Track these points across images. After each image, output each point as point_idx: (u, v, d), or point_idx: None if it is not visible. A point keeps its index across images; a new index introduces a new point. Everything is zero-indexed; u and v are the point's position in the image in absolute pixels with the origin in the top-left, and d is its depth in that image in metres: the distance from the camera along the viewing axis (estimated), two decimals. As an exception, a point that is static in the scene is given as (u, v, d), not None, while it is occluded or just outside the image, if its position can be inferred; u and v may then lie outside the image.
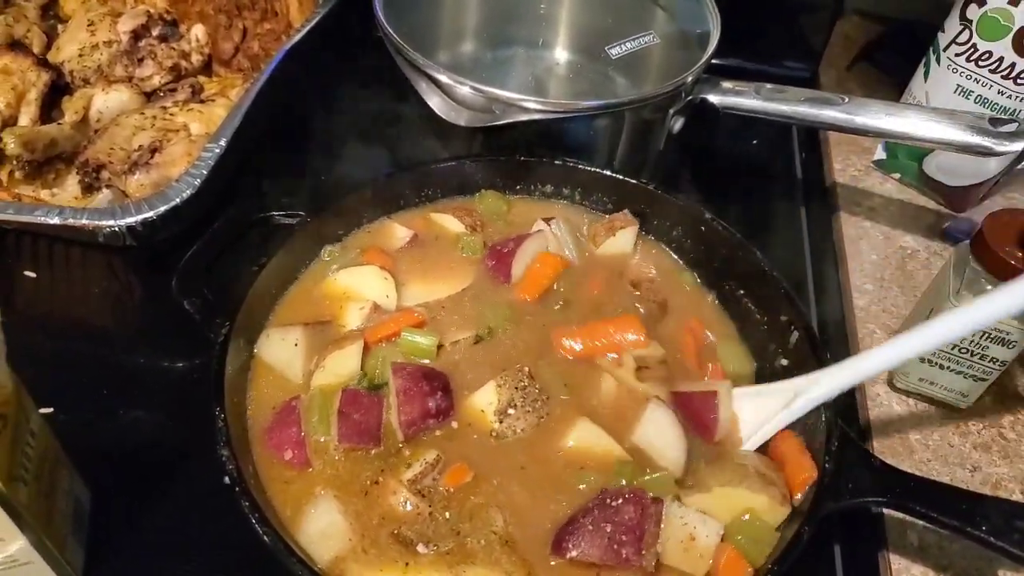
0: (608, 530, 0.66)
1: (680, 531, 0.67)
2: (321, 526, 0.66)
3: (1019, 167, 1.11)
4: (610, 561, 0.65)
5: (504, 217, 0.94)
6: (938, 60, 1.06)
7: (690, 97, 1.01)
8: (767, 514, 0.68)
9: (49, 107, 1.09)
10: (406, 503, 0.67)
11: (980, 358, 0.84)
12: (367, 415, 0.72)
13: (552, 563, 0.66)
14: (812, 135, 1.29)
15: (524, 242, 0.87)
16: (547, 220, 0.92)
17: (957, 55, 1.03)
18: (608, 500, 0.67)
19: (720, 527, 0.67)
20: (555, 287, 0.86)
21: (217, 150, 0.93)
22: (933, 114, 0.94)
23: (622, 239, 0.92)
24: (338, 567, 0.64)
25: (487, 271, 0.87)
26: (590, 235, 0.93)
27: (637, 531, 0.65)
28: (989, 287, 0.80)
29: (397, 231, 0.90)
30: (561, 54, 1.18)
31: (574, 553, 0.66)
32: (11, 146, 0.97)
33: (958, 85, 1.04)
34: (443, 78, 0.93)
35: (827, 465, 0.67)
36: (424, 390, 0.72)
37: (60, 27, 1.24)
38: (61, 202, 0.98)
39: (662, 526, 0.66)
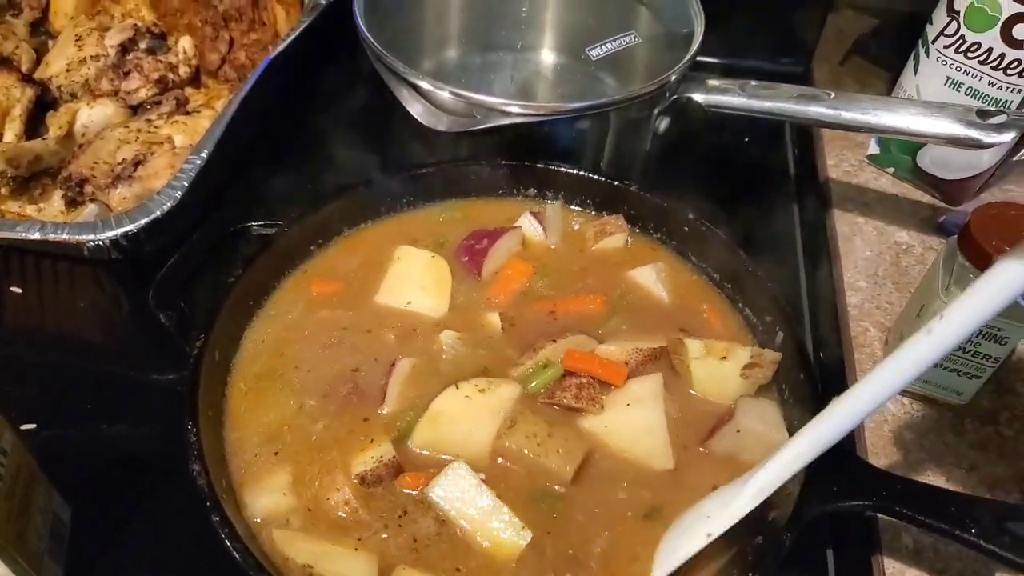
0: None
1: None
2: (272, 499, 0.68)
3: (1014, 159, 1.09)
4: None
5: (466, 223, 0.93)
6: (927, 52, 1.04)
7: (675, 96, 1.00)
8: None
9: (35, 122, 1.09)
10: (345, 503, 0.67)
11: (973, 355, 0.83)
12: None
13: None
14: (805, 131, 1.27)
15: (499, 239, 0.86)
16: (535, 213, 0.92)
17: (946, 47, 1.01)
18: None
19: None
20: (533, 285, 0.87)
21: (199, 161, 0.93)
22: (922, 107, 0.92)
23: (612, 243, 0.91)
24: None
25: (460, 265, 0.88)
26: (581, 234, 0.93)
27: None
28: (979, 282, 0.78)
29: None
30: (545, 56, 1.17)
31: None
32: (-4, 162, 0.97)
33: (948, 77, 1.03)
34: (423, 84, 0.92)
35: (810, 469, 0.66)
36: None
37: (50, 43, 1.25)
38: (47, 218, 0.99)
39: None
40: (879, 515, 0.79)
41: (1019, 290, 0.52)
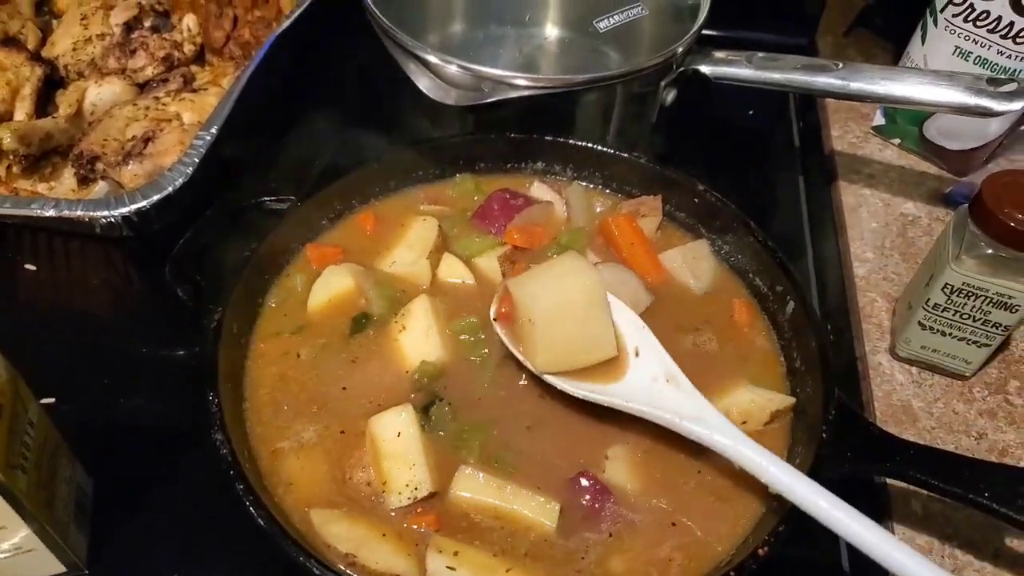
0: None
1: None
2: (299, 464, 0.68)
3: (1021, 128, 1.09)
4: None
5: (479, 194, 0.93)
6: (935, 22, 1.04)
7: (681, 68, 1.00)
8: None
9: (44, 101, 1.09)
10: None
11: (983, 323, 0.83)
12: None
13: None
14: (810, 103, 1.27)
15: (532, 206, 0.87)
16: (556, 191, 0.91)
17: (954, 16, 1.01)
18: None
19: None
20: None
21: (208, 138, 0.93)
22: (931, 76, 0.92)
23: (646, 225, 0.89)
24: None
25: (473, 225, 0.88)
26: (613, 218, 0.90)
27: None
28: (989, 250, 0.78)
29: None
30: (551, 31, 1.16)
31: None
32: (7, 141, 0.97)
33: (956, 47, 1.02)
34: (431, 58, 0.92)
35: (824, 434, 0.67)
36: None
37: (55, 22, 1.25)
38: (58, 195, 0.99)
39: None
40: (889, 482, 0.80)
41: None
